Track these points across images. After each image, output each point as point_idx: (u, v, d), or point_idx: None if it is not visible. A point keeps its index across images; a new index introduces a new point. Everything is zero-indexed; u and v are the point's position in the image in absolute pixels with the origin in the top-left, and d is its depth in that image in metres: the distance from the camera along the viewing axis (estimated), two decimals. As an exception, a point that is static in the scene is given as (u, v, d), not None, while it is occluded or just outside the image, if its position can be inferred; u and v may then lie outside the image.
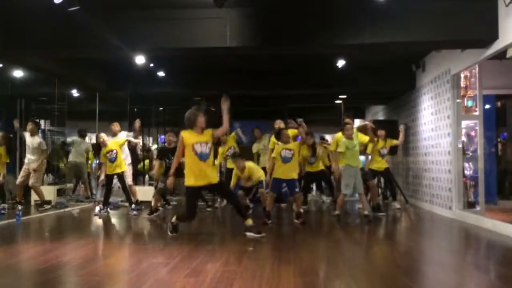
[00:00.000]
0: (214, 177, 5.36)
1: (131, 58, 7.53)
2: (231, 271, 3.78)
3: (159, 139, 13.65)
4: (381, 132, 8.44)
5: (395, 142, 8.66)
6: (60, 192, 9.44)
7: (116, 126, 8.58)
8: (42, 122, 11.61)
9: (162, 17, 6.10)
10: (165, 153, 7.26)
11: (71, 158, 9.76)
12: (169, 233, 5.40)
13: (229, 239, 5.23)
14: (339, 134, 7.46)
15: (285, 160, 6.40)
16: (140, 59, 7.67)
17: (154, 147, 14.99)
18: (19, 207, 6.76)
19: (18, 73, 9.22)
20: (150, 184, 9.77)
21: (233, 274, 3.65)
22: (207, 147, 5.23)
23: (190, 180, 5.22)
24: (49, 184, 9.49)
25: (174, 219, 5.47)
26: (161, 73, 9.53)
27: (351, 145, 6.75)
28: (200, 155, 5.18)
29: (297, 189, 6.51)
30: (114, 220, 7.22)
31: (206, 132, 5.31)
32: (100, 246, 5.17)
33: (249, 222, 5.30)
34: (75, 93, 11.27)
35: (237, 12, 6.00)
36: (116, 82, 10.20)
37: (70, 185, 10.01)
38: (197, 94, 11.60)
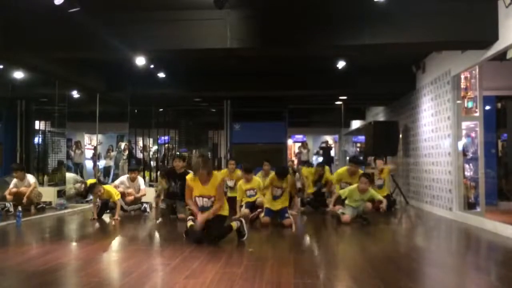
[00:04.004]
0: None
1: (131, 59, 7.53)
2: (232, 272, 3.78)
3: (159, 141, 13.65)
4: (379, 162, 8.73)
5: (388, 168, 8.89)
6: (60, 194, 9.43)
7: (135, 173, 8.08)
8: (42, 123, 11.66)
9: (163, 18, 6.11)
10: (173, 176, 7.31)
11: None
12: (184, 235, 5.31)
13: (230, 241, 5.22)
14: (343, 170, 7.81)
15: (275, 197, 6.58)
16: (140, 60, 7.66)
17: (154, 148, 15.01)
18: (19, 208, 6.76)
19: (18, 75, 9.22)
20: (150, 185, 9.75)
21: (233, 276, 3.64)
22: (210, 201, 5.14)
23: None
24: (49, 185, 9.48)
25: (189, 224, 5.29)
26: (161, 74, 9.52)
27: (360, 197, 6.71)
28: (201, 208, 5.16)
29: (286, 214, 6.45)
30: (114, 222, 7.20)
31: (212, 183, 5.12)
32: (100, 247, 5.16)
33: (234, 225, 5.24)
34: (75, 94, 11.28)
35: (238, 13, 6.01)
36: (116, 83, 10.21)
37: (70, 186, 10.00)
38: (197, 96, 11.62)
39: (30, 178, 8.31)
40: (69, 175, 10.29)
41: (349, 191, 6.81)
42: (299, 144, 20.71)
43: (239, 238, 5.22)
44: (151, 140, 13.98)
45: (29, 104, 11.31)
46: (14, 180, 8.28)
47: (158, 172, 9.17)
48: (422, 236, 6.42)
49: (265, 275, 3.69)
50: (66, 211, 8.25)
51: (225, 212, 5.27)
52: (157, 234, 6.22)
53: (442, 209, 7.77)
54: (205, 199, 5.14)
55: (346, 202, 6.81)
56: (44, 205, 8.34)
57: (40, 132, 11.66)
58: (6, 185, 8.54)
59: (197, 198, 5.17)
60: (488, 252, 5.38)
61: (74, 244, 5.39)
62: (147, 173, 12.02)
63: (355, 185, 6.82)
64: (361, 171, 7.69)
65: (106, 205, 7.25)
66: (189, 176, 5.31)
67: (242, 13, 6.04)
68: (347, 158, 13.79)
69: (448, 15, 5.83)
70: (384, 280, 3.59)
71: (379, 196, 6.95)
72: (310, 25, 6.06)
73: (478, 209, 7.10)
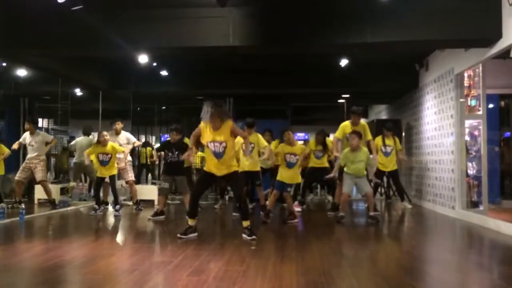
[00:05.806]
0: (231, 168, 5.24)
1: (134, 57, 7.53)
2: (234, 270, 3.79)
3: (162, 138, 13.69)
4: (388, 133, 8.72)
5: (398, 141, 8.88)
6: (63, 191, 9.45)
7: (119, 124, 8.36)
8: (45, 121, 11.72)
9: (165, 16, 6.12)
10: (168, 147, 7.00)
11: (76, 159, 9.59)
12: (178, 235, 5.25)
13: (232, 238, 5.22)
14: (346, 123, 7.39)
15: (289, 165, 6.48)
16: (143, 58, 7.67)
17: (156, 146, 15.03)
18: (22, 205, 6.78)
19: (21, 72, 9.24)
20: (152, 183, 9.77)
21: (235, 273, 3.65)
22: (221, 146, 5.06)
23: (207, 167, 5.26)
24: (52, 182, 9.51)
25: (189, 222, 5.31)
26: (163, 72, 9.53)
27: (355, 158, 6.60)
28: (214, 154, 5.11)
29: (288, 189, 6.73)
30: (116, 219, 7.22)
31: (223, 129, 5.08)
32: (103, 244, 5.17)
33: (245, 224, 5.24)
34: (78, 92, 11.31)
35: (240, 11, 6.00)
36: (119, 81, 10.24)
37: (73, 184, 10.03)
38: (199, 93, 11.62)
39: (45, 135, 8.22)
40: (85, 139, 9.63)
41: (344, 156, 6.69)
42: (302, 142, 20.70)
43: (248, 236, 5.14)
44: (154, 137, 14.02)
45: (32, 101, 11.35)
46: (24, 134, 8.26)
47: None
48: (425, 234, 6.41)
49: (268, 272, 3.70)
50: (69, 208, 8.27)
51: (235, 167, 5.33)
52: (159, 232, 6.23)
53: (445, 208, 7.75)
54: (216, 144, 5.07)
55: (345, 170, 6.69)
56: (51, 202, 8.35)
57: (43, 129, 11.71)
58: (9, 183, 8.58)
59: (209, 144, 5.11)
60: (490, 250, 5.37)
61: (77, 241, 5.40)
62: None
63: (346, 149, 6.76)
64: (363, 123, 7.51)
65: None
66: (202, 123, 5.21)
67: (245, 11, 6.04)
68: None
69: (451, 13, 5.81)
70: (386, 278, 3.60)
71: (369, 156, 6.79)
72: (312, 23, 6.05)
73: (481, 208, 7.08)
